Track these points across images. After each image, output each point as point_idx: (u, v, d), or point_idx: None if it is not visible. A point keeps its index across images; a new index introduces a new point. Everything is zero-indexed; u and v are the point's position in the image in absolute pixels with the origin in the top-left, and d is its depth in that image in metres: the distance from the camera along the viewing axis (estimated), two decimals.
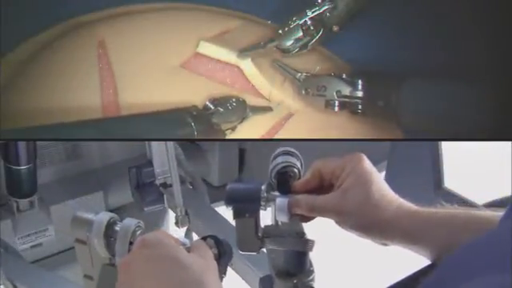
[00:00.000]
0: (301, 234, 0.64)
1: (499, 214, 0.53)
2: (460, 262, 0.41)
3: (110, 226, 0.61)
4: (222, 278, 0.56)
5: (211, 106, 0.76)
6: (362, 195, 0.58)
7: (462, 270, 0.40)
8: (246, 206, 0.61)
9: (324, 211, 0.59)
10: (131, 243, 0.59)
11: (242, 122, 0.78)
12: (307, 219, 0.62)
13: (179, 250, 0.53)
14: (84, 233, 0.62)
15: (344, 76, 0.78)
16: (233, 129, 0.78)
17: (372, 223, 0.58)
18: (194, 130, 0.72)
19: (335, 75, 0.79)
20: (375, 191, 0.58)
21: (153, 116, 0.73)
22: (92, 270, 0.64)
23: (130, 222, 0.60)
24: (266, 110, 0.80)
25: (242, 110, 0.78)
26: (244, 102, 0.78)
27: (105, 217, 0.62)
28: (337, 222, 0.60)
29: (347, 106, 0.78)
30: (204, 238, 0.58)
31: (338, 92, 0.78)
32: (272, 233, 0.64)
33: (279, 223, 0.63)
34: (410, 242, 0.59)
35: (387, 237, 0.59)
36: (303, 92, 0.80)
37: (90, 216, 0.63)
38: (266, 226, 0.64)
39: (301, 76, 0.81)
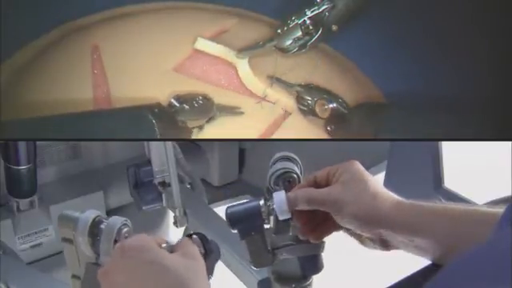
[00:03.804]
0: None
1: (498, 210, 0.53)
2: (460, 273, 0.41)
3: (96, 224, 0.60)
4: (208, 279, 0.54)
5: (176, 104, 0.74)
6: (359, 186, 0.59)
7: (463, 280, 0.40)
8: (249, 225, 0.62)
9: (323, 202, 0.60)
10: (116, 241, 0.57)
11: (209, 121, 0.76)
12: (315, 234, 0.63)
13: (160, 254, 0.51)
14: (70, 231, 0.60)
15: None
16: (200, 127, 0.76)
17: (370, 213, 0.59)
18: (156, 127, 0.69)
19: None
20: (371, 188, 0.59)
21: (112, 113, 0.70)
22: (79, 270, 0.62)
23: (116, 221, 0.59)
24: (235, 111, 0.79)
25: (208, 108, 0.76)
26: (211, 100, 0.76)
27: (90, 215, 0.60)
28: (335, 215, 0.60)
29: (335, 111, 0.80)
30: (189, 236, 0.56)
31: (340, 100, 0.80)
32: (281, 243, 0.64)
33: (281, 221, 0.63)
34: (409, 233, 0.59)
35: (386, 228, 0.59)
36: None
37: (75, 214, 0.61)
38: (270, 231, 0.64)
39: (300, 89, 0.81)
